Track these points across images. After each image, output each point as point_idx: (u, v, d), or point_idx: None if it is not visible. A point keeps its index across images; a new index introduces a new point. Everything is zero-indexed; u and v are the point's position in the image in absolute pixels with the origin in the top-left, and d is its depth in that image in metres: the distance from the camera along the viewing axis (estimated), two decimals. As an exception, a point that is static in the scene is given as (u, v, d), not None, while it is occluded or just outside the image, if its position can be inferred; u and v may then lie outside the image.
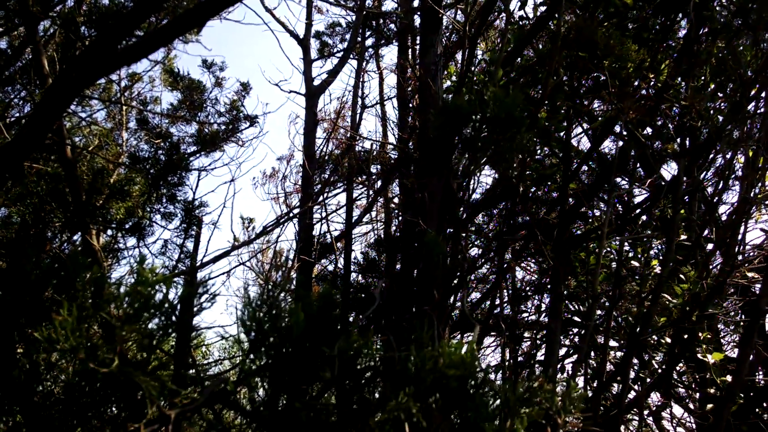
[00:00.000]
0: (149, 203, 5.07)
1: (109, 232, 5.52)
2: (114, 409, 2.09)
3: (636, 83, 3.16)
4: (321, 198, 6.00)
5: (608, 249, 5.53)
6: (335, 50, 8.17)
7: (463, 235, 4.03)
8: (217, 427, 1.97)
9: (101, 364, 1.82)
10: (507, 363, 5.68)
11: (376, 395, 1.36)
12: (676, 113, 3.36)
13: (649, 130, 4.90)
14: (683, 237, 4.66)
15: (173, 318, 2.01)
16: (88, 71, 2.89)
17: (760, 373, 4.66)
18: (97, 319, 2.00)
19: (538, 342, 5.68)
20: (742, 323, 4.29)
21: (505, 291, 5.94)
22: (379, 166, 6.94)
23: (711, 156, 4.52)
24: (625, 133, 4.13)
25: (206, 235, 6.99)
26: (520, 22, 5.06)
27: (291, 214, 5.21)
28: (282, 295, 1.83)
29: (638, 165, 5.57)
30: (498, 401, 1.24)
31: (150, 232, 5.10)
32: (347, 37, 8.03)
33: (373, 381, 1.37)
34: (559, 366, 5.22)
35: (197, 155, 5.98)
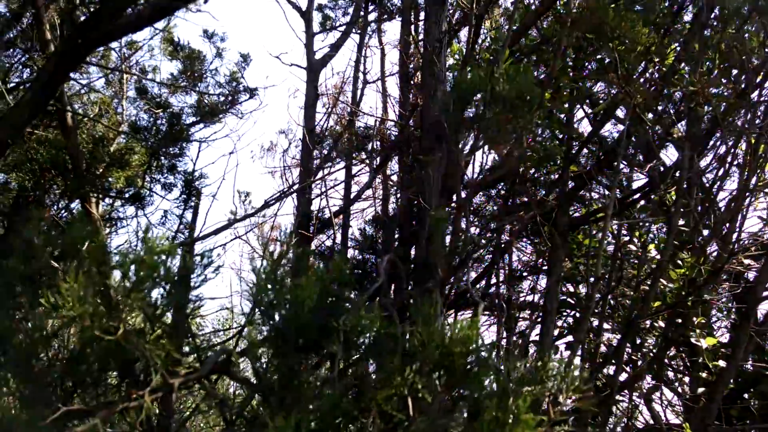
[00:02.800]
0: (149, 173, 5.05)
1: (108, 200, 5.51)
2: (113, 378, 2.11)
3: (643, 67, 3.15)
4: (320, 173, 5.99)
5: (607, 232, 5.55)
6: (337, 24, 8.07)
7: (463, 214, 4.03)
8: (217, 396, 1.98)
9: (106, 332, 1.83)
10: (501, 342, 5.73)
11: (378, 370, 1.37)
12: (680, 98, 3.35)
13: (650, 115, 4.89)
14: (681, 223, 4.68)
15: (175, 288, 2.02)
16: (92, 38, 2.86)
17: (750, 359, 4.72)
18: (101, 287, 2.00)
19: (533, 322, 5.71)
20: (735, 310, 4.33)
21: (501, 271, 5.98)
22: (379, 143, 6.91)
23: (712, 142, 4.53)
24: (627, 117, 4.12)
25: (205, 206, 6.98)
26: (527, 1, 5.01)
27: (291, 189, 5.21)
28: (283, 269, 1.84)
29: (638, 150, 5.56)
30: (500, 379, 1.26)
31: (149, 201, 5.09)
32: (350, 10, 7.94)
33: (376, 356, 1.39)
34: (552, 346, 5.27)
35: (197, 126, 5.95)
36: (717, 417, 4.16)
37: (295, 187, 5.06)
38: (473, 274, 6.52)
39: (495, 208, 6.58)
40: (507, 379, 1.32)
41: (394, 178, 6.85)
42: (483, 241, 5.70)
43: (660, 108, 4.31)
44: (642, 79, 3.12)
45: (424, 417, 1.31)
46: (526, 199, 5.86)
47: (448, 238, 3.60)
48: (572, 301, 5.77)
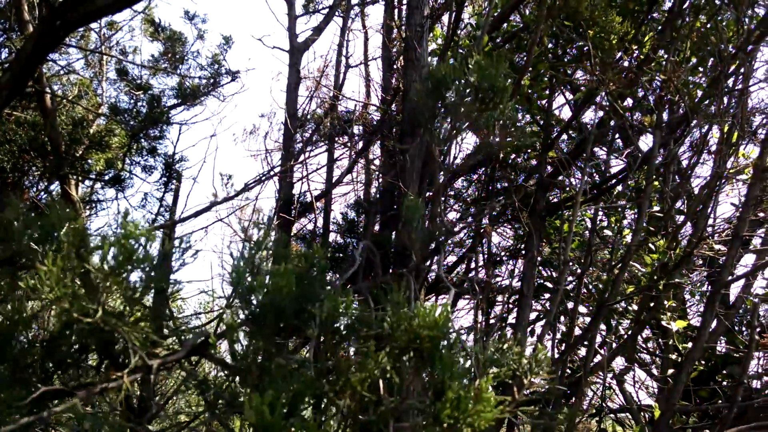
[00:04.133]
0: (129, 155, 5.03)
1: (88, 183, 5.48)
2: (93, 360, 2.14)
3: (619, 55, 3.20)
4: (302, 157, 6.00)
5: (582, 218, 5.65)
6: (320, 7, 8.03)
7: (443, 199, 4.09)
8: (196, 378, 2.03)
9: (85, 314, 1.86)
10: (479, 325, 5.83)
11: (352, 353, 1.42)
12: (656, 86, 3.41)
13: (630, 101, 4.96)
14: (656, 208, 4.78)
15: (154, 272, 2.05)
16: (71, 18, 2.84)
17: (722, 341, 4.86)
18: (80, 270, 2.03)
19: (511, 306, 5.82)
20: (707, 293, 4.44)
21: (480, 255, 6.06)
22: (361, 127, 6.93)
23: (687, 129, 4.61)
24: (605, 103, 4.19)
25: (186, 189, 6.95)
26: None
27: (272, 172, 5.22)
28: (263, 253, 1.88)
29: (617, 136, 5.65)
30: (469, 361, 1.32)
31: (129, 184, 5.07)
32: (333, -7, 7.89)
33: (349, 339, 1.43)
34: (529, 329, 5.38)
35: (178, 109, 5.91)
36: (687, 398, 4.30)
37: (276, 170, 5.07)
38: (454, 258, 6.61)
39: (475, 192, 6.66)
40: (474, 360, 1.37)
41: (377, 162, 6.88)
42: (461, 225, 5.76)
43: (640, 95, 4.38)
44: (617, 67, 3.17)
45: (394, 398, 1.36)
46: (506, 184, 5.94)
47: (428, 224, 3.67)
48: (550, 285, 5.87)
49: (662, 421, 2.82)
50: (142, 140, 5.06)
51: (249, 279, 1.44)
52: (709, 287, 5.57)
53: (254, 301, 1.42)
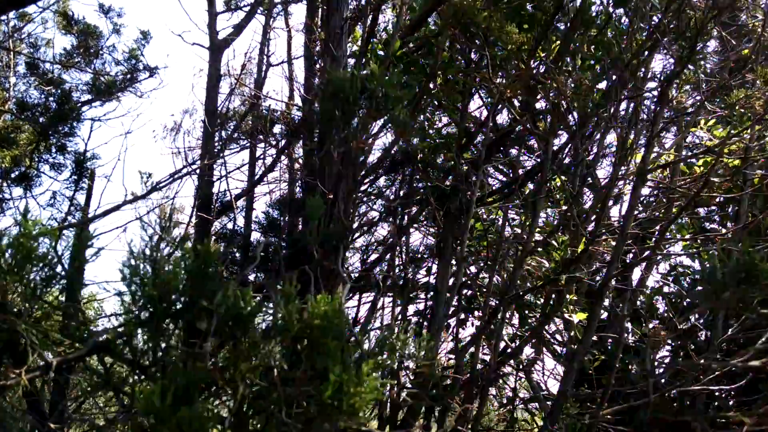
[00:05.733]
0: (37, 153, 4.87)
1: (-7, 181, 5.26)
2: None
3: (518, 63, 3.40)
4: (221, 155, 5.98)
5: (495, 216, 5.91)
6: (243, 4, 7.98)
7: (356, 197, 4.20)
8: (101, 375, 2.05)
9: (-19, 313, 1.86)
10: (399, 321, 5.99)
11: (245, 344, 1.50)
12: (552, 94, 3.64)
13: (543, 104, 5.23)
14: (564, 207, 5.07)
15: (57, 270, 2.06)
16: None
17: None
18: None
19: (430, 302, 6.00)
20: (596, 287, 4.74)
21: (402, 253, 6.22)
22: (283, 126, 6.95)
23: (591, 133, 4.92)
24: (490, 111, 4.43)
25: (100, 188, 6.77)
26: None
27: (189, 170, 5.18)
28: (168, 249, 1.92)
29: (529, 137, 5.93)
30: (351, 347, 1.42)
31: (38, 182, 4.91)
32: (256, -10, 7.86)
33: (243, 331, 1.51)
34: (446, 323, 5.58)
35: (91, 104, 5.76)
36: (590, 385, 4.59)
37: (192, 167, 5.04)
38: (375, 256, 6.76)
39: (396, 191, 6.82)
40: (359, 348, 1.48)
41: (301, 161, 6.92)
42: (381, 222, 5.90)
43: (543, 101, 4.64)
44: (514, 76, 3.38)
45: (284, 387, 1.46)
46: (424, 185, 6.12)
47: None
48: (467, 282, 6.10)
49: (555, 407, 3.04)
50: (52, 137, 4.91)
51: (143, 275, 1.49)
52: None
53: (147, 297, 1.48)
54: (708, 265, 2.01)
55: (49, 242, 2.00)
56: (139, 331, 1.74)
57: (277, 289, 1.84)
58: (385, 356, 1.55)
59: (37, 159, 4.92)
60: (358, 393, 1.31)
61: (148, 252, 1.72)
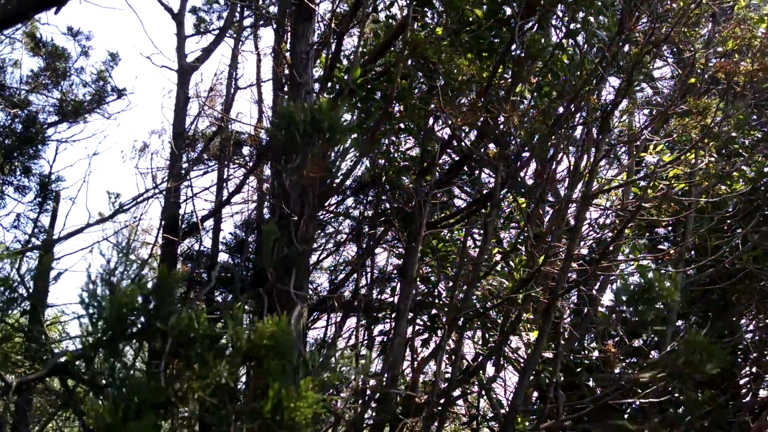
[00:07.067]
0: (2, 175, 4.89)
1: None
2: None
3: (469, 93, 3.57)
4: (188, 176, 6.04)
5: (457, 237, 6.07)
6: (212, 27, 8.09)
7: (320, 219, 4.30)
8: (61, 395, 2.12)
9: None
10: (363, 341, 6.08)
11: (196, 364, 1.59)
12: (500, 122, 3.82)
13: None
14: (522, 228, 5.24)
15: (19, 292, 2.13)
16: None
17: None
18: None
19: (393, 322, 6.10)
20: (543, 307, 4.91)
21: (367, 274, 6.33)
22: (251, 148, 7.04)
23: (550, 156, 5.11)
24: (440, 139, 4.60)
25: (65, 210, 6.77)
26: (389, 21, 5.38)
27: (155, 192, 5.24)
28: (129, 272, 2.01)
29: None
30: (294, 365, 1.53)
31: (2, 204, 4.92)
32: (224, 15, 7.99)
33: (195, 351, 1.61)
34: (409, 343, 5.69)
35: (57, 126, 5.79)
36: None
37: (157, 190, 5.10)
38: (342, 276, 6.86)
39: (363, 212, 6.94)
40: (302, 365, 1.59)
41: (268, 183, 7.01)
42: (347, 243, 6.01)
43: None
44: (463, 105, 3.55)
45: (232, 404, 1.55)
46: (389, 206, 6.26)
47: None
48: (430, 301, 6.23)
49: (507, 422, 3.16)
50: (16, 159, 4.93)
51: (98, 297, 1.58)
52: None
53: (103, 319, 1.57)
54: (617, 287, 2.16)
55: (11, 265, 2.07)
56: (99, 351, 1.83)
57: (228, 311, 1.94)
58: (327, 374, 1.66)
59: (1, 181, 4.93)
60: (298, 408, 1.41)
61: (106, 276, 1.81)
